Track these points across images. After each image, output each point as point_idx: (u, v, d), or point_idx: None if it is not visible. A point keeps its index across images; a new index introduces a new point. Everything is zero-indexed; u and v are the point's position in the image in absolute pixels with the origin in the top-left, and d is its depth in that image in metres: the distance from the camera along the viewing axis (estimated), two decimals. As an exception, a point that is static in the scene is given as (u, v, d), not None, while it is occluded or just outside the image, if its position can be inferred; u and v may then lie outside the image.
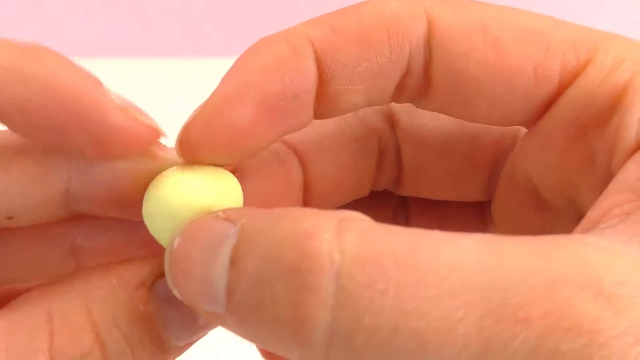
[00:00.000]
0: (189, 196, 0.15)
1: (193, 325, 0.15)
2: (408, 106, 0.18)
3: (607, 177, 0.15)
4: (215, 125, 0.15)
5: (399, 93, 0.17)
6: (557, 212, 0.18)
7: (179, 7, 0.87)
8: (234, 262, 0.12)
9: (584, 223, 0.14)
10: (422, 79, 0.17)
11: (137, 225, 0.16)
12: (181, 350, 0.15)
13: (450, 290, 0.11)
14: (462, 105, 0.17)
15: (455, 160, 0.20)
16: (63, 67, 0.15)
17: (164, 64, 0.99)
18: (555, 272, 0.11)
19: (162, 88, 1.01)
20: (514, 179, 0.19)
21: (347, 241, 0.11)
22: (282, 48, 0.16)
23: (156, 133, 0.15)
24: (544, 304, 0.11)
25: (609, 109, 0.15)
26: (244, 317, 0.12)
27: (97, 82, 0.15)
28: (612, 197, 0.14)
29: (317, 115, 0.17)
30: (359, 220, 0.12)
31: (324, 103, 0.16)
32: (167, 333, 0.15)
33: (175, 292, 0.14)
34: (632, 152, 0.14)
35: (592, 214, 0.14)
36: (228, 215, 0.13)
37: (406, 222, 0.22)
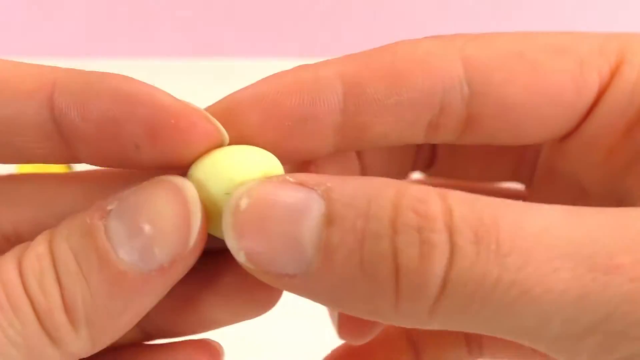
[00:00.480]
0: (248, 161, 0.15)
1: (140, 235, 0.14)
2: None
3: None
4: (222, 122, 0.16)
5: (434, 131, 0.17)
6: (597, 199, 0.18)
7: (179, 7, 0.87)
8: (331, 221, 0.13)
9: None
10: (462, 117, 0.17)
11: None
12: (146, 283, 0.15)
13: (542, 245, 0.12)
14: (509, 132, 0.17)
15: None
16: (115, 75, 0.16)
17: (164, 64, 0.99)
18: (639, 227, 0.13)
19: (162, 88, 1.01)
20: (553, 172, 0.19)
21: (453, 206, 0.13)
22: (307, 74, 0.16)
23: (214, 129, 0.15)
24: (635, 253, 0.12)
25: None
26: (344, 275, 0.13)
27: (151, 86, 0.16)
28: None
29: (345, 146, 0.17)
30: (448, 190, 0.14)
31: (351, 134, 0.17)
32: (111, 244, 0.14)
33: (241, 255, 0.14)
34: None
35: None
36: (301, 180, 0.14)
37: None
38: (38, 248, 0.15)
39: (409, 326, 0.14)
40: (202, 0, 0.88)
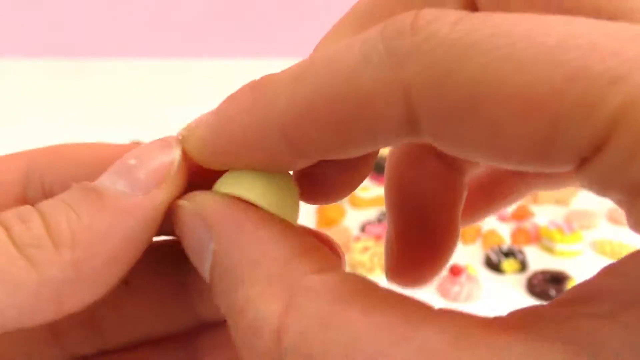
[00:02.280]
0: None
1: (126, 166, 0.15)
2: None
3: None
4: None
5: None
6: None
7: (179, 7, 0.87)
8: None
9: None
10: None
11: None
12: (131, 207, 0.15)
13: None
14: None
15: None
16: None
17: (164, 64, 0.98)
18: None
19: (162, 88, 1.01)
20: None
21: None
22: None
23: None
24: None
25: None
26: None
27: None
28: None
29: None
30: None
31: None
32: (101, 183, 0.15)
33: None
34: None
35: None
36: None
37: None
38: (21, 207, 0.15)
39: None
40: (202, 0, 0.88)
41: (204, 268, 0.14)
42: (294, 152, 0.14)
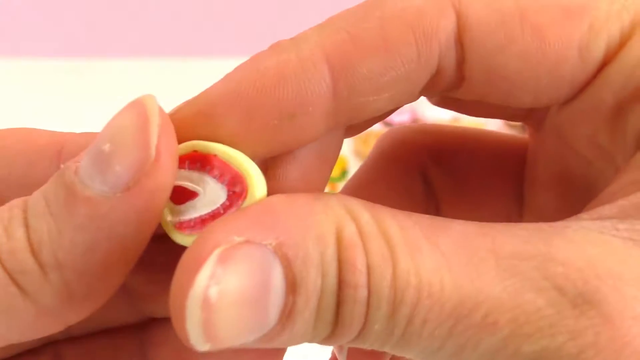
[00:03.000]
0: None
1: (101, 156, 0.13)
2: None
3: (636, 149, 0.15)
4: (196, 126, 0.15)
5: (428, 90, 0.16)
6: (581, 183, 0.17)
7: (179, 7, 0.87)
8: (295, 287, 0.13)
9: (599, 198, 0.14)
10: (454, 77, 0.15)
11: None
12: (113, 208, 0.13)
13: (422, 305, 0.13)
14: (501, 98, 0.16)
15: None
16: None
17: (164, 64, 0.99)
18: (522, 277, 0.12)
19: (162, 88, 1.01)
20: (545, 161, 0.18)
21: (372, 263, 0.13)
22: (287, 57, 0.14)
23: None
24: (510, 311, 0.12)
25: None
26: (302, 331, 0.13)
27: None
28: (628, 174, 0.14)
29: (335, 127, 0.15)
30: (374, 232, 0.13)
31: (343, 117, 0.15)
32: (79, 178, 0.13)
33: (207, 347, 0.12)
34: None
35: (609, 189, 0.14)
36: (247, 237, 0.13)
37: (437, 211, 0.21)
38: (14, 202, 0.14)
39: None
40: (202, 0, 0.88)
41: (273, 308, 0.12)
42: (336, 99, 0.14)
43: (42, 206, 0.13)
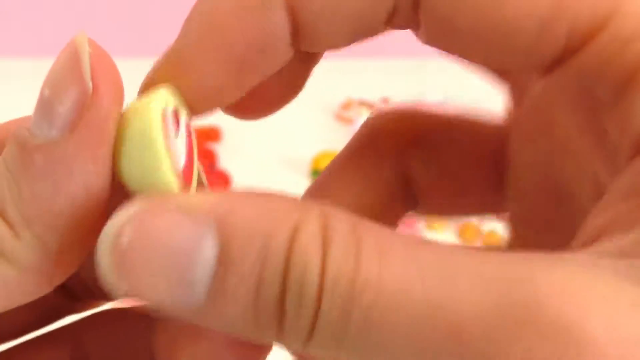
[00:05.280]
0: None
1: (42, 102, 0.13)
2: None
3: (614, 155, 0.14)
4: (178, 84, 0.15)
5: (390, 28, 0.16)
6: (576, 198, 0.16)
7: (179, 7, 0.87)
8: (226, 265, 0.12)
9: (593, 224, 0.13)
10: (411, 21, 0.15)
11: None
12: (64, 151, 0.13)
13: (384, 299, 0.12)
14: (458, 52, 0.15)
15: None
16: None
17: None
18: (498, 294, 0.11)
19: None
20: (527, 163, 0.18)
21: (329, 257, 0.12)
22: None
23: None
24: (481, 322, 0.11)
25: (621, 86, 0.14)
26: (233, 316, 0.12)
27: None
28: (626, 201, 0.13)
29: (296, 54, 0.16)
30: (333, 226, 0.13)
31: (304, 45, 0.15)
32: (29, 132, 0.13)
33: (121, 293, 0.12)
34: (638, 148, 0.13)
35: (602, 214, 0.13)
36: (190, 208, 0.12)
37: (415, 200, 0.20)
38: None
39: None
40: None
41: (199, 279, 0.12)
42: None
43: (1, 168, 0.13)
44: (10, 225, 0.13)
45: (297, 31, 0.15)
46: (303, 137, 0.74)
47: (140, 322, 0.17)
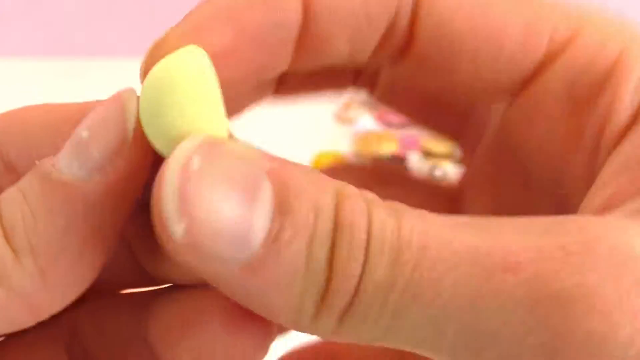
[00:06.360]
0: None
1: (79, 142, 0.13)
2: None
3: (595, 152, 0.15)
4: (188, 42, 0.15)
5: (380, 49, 0.17)
6: (540, 191, 0.17)
7: (179, 7, 0.87)
8: (284, 212, 0.12)
9: (593, 203, 0.14)
10: (405, 36, 0.17)
11: None
12: (89, 193, 0.13)
13: (437, 248, 0.12)
14: (444, 63, 0.17)
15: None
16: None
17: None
18: (545, 235, 0.12)
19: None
20: (498, 146, 0.18)
21: (374, 217, 0.13)
22: None
23: None
24: (534, 252, 0.12)
25: (599, 84, 0.15)
26: (283, 276, 0.12)
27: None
28: (625, 174, 0.14)
29: (297, 61, 0.16)
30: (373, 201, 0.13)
31: (306, 46, 0.16)
32: (55, 166, 0.13)
33: (180, 227, 0.12)
34: (626, 127, 0.15)
35: (602, 193, 0.14)
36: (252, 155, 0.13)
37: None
38: None
39: (317, 335, 0.13)
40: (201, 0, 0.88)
41: (258, 223, 0.12)
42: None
43: (16, 196, 0.13)
44: (14, 249, 0.13)
45: (306, 25, 0.16)
46: (303, 137, 0.74)
47: (136, 314, 0.17)
